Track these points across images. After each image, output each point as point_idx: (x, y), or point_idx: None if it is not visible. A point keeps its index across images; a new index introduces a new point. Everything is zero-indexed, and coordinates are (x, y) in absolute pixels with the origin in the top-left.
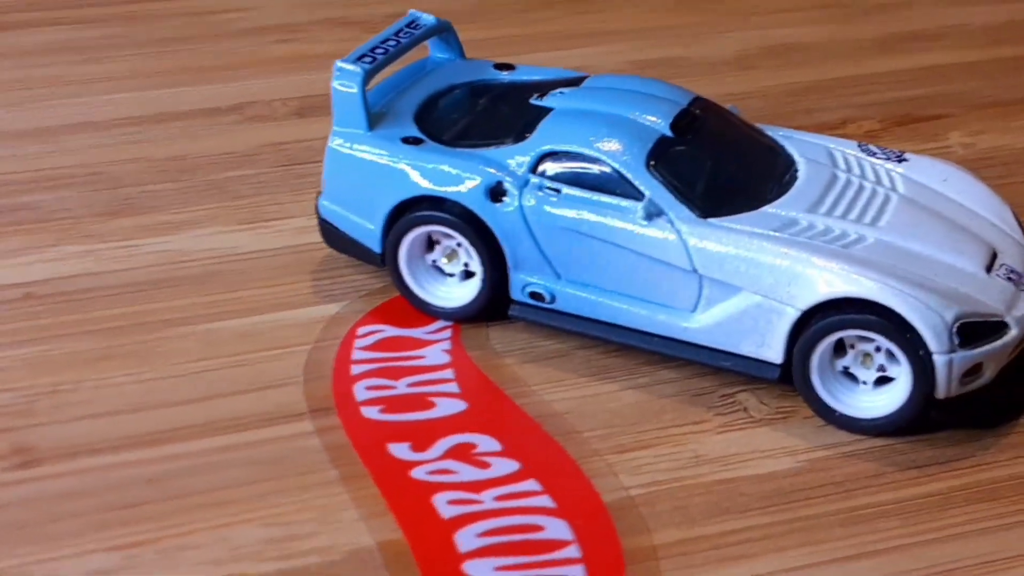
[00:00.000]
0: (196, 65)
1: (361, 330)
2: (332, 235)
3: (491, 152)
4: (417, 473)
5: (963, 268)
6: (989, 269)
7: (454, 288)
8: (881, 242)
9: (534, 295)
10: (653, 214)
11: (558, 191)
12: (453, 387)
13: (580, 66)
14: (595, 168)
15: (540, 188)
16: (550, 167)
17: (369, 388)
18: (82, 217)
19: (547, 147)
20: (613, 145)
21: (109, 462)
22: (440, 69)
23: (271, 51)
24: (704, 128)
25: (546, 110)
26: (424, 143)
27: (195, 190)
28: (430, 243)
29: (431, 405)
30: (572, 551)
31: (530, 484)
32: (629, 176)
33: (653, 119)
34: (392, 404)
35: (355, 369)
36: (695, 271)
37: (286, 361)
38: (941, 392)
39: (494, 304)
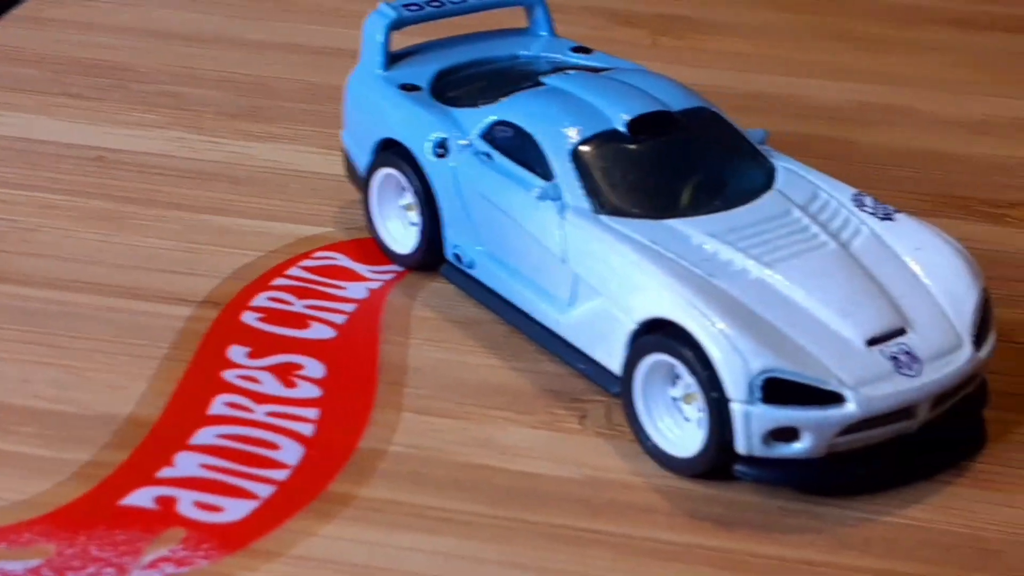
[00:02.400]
0: None
1: (318, 253)
2: (347, 166)
3: (461, 112)
4: (228, 375)
5: (838, 332)
6: (876, 342)
7: (404, 233)
8: (760, 282)
9: (458, 257)
10: (549, 196)
11: (490, 157)
12: (340, 318)
13: None
14: (527, 144)
15: (476, 152)
16: (498, 135)
17: (270, 299)
18: (206, 113)
19: (500, 116)
20: (553, 126)
21: (12, 291)
22: (510, 39)
23: None
24: (672, 134)
25: (538, 85)
26: (420, 92)
27: (307, 113)
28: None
29: (305, 326)
30: (280, 474)
31: (311, 412)
32: (549, 157)
33: (618, 113)
34: (274, 317)
35: (276, 280)
36: (566, 262)
37: (228, 259)
38: (740, 446)
39: (433, 258)
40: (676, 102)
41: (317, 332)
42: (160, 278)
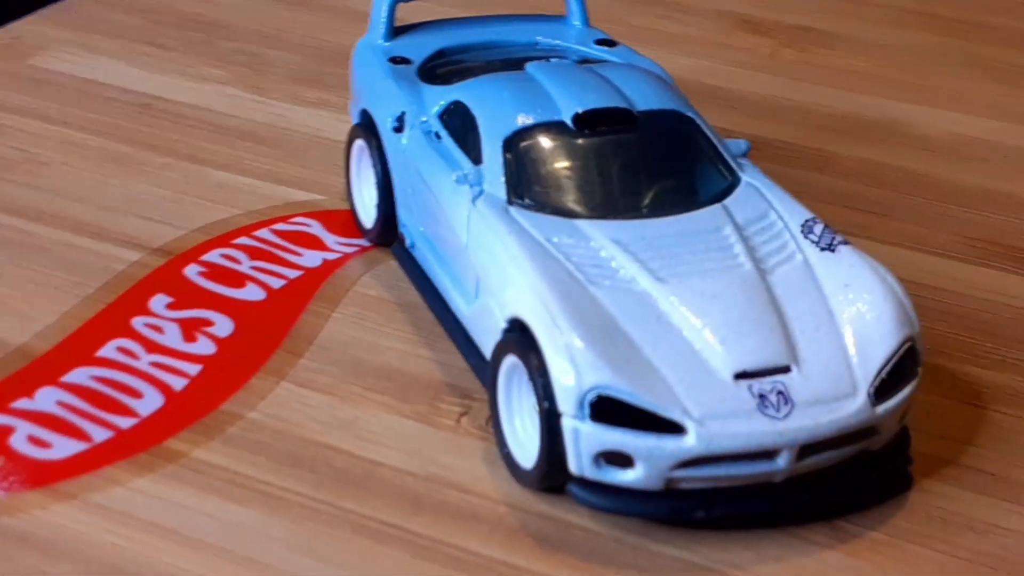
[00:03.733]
0: None
1: (296, 219)
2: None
3: (431, 89)
4: (136, 321)
5: (707, 359)
6: (748, 376)
7: (370, 208)
8: (643, 296)
9: (403, 237)
10: (466, 181)
11: (439, 137)
12: (278, 283)
13: None
14: (472, 127)
15: (426, 130)
16: (451, 115)
17: (223, 255)
18: (272, 74)
19: (457, 97)
20: (498, 111)
21: None
22: (536, 25)
23: None
24: (621, 133)
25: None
26: (406, 67)
27: None
28: None
29: (241, 286)
30: (126, 422)
31: (193, 368)
32: (483, 141)
33: (571, 105)
34: (216, 273)
35: (240, 239)
36: (467, 250)
37: (206, 212)
38: (572, 466)
39: (389, 235)
40: (646, 102)
41: (248, 293)
42: (130, 223)
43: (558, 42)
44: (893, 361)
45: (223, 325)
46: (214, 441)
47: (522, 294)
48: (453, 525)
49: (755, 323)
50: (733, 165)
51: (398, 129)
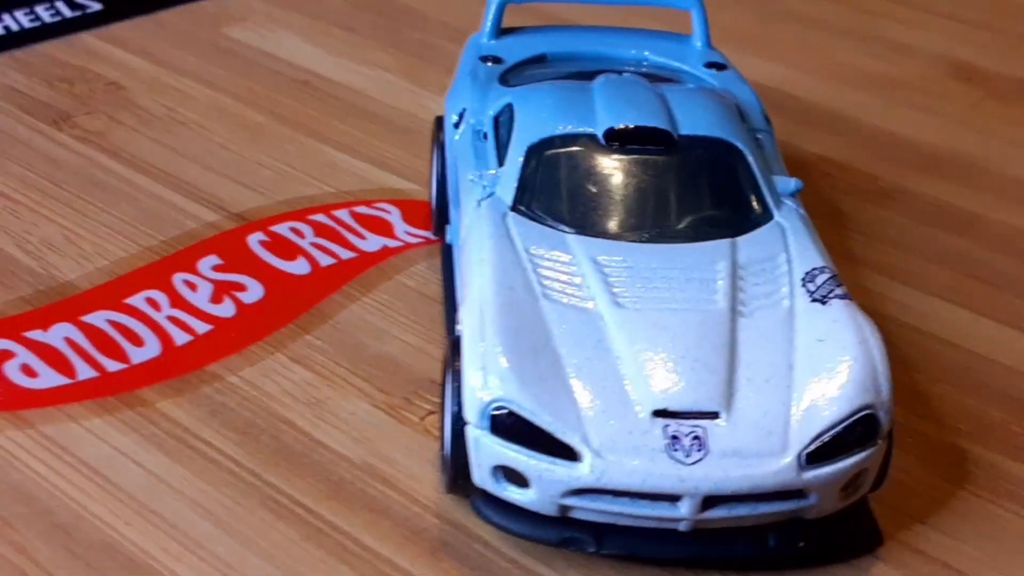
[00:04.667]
0: None
1: (379, 204)
2: None
3: (499, 90)
4: (177, 277)
5: (630, 392)
6: (668, 416)
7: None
8: (593, 318)
9: (446, 232)
10: (478, 182)
11: (486, 137)
12: (328, 261)
13: None
14: (511, 130)
15: (477, 129)
16: (502, 117)
17: (291, 229)
18: (439, 68)
19: (511, 99)
20: (537, 117)
21: (105, 162)
22: (652, 41)
23: None
24: (651, 153)
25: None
26: (493, 66)
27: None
28: None
29: (292, 259)
30: (114, 366)
31: (204, 327)
32: (512, 145)
33: (609, 120)
34: (275, 244)
35: (316, 216)
36: (459, 247)
37: (300, 187)
38: (475, 476)
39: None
40: (692, 127)
41: (295, 267)
42: (224, 186)
43: (666, 60)
44: (841, 427)
45: (254, 292)
46: (183, 397)
47: (470, 298)
48: (358, 516)
49: (696, 364)
50: (769, 202)
51: (457, 125)
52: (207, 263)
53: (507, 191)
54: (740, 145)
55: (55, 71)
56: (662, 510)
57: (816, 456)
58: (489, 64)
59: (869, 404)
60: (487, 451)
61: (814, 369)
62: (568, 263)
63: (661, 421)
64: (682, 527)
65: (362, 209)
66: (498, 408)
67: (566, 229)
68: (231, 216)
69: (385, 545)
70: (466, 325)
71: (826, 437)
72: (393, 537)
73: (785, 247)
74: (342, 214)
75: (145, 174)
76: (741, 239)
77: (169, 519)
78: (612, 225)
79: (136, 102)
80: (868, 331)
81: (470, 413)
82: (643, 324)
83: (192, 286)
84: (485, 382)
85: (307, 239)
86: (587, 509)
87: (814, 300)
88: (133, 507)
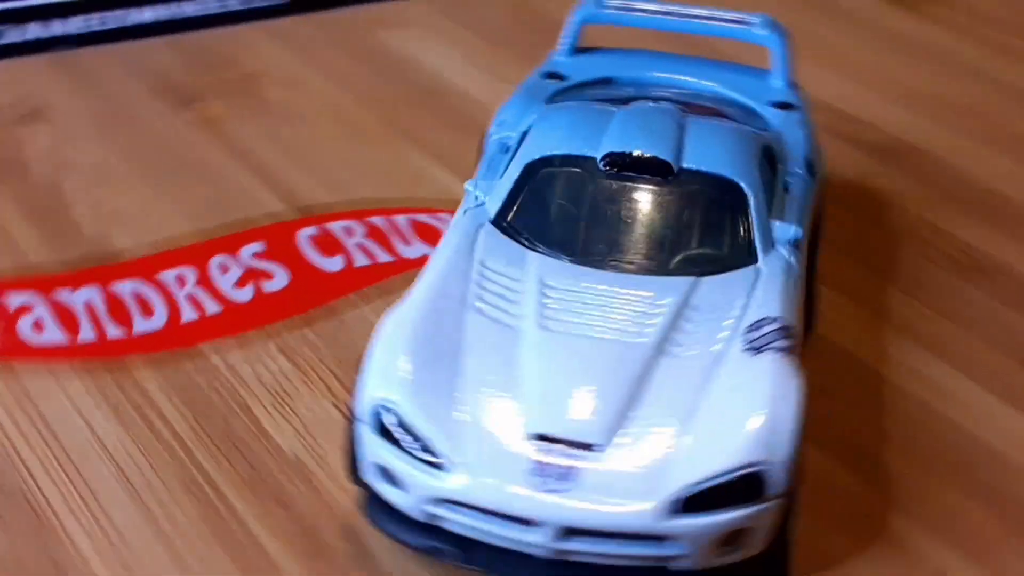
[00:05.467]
0: None
1: (440, 214)
2: None
3: (539, 107)
4: (215, 259)
5: (515, 411)
6: (546, 440)
7: None
8: (514, 335)
9: None
10: (470, 191)
11: (507, 151)
12: (363, 260)
13: None
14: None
15: (502, 141)
16: (526, 133)
17: (343, 228)
18: (520, 66)
19: (538, 116)
20: (546, 136)
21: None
22: (727, 73)
23: None
24: (644, 182)
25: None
26: (555, 82)
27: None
28: None
29: (330, 255)
30: (117, 332)
31: (214, 307)
32: (512, 162)
33: (610, 145)
34: (322, 241)
35: (374, 219)
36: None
37: (377, 189)
38: (360, 469)
39: None
40: (698, 161)
41: (329, 263)
42: (302, 181)
43: (731, 93)
44: (723, 480)
45: (278, 281)
46: (161, 371)
47: (405, 299)
48: (265, 507)
49: (590, 394)
50: (758, 247)
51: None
52: (250, 249)
53: (494, 204)
54: (743, 185)
55: (201, 58)
56: (520, 533)
57: (690, 505)
58: (550, 81)
59: (760, 461)
60: (369, 448)
61: (717, 418)
62: (514, 280)
63: (537, 445)
64: (541, 553)
65: (423, 217)
66: (384, 408)
67: (536, 247)
68: (295, 209)
69: (272, 540)
70: (387, 322)
71: (703, 487)
72: (286, 534)
73: (748, 293)
74: (400, 219)
75: (238, 161)
76: (706, 279)
77: (87, 478)
78: (580, 248)
79: (261, 94)
80: (789, 387)
81: (360, 408)
82: (558, 348)
83: (225, 268)
84: (376, 381)
85: (355, 239)
86: (452, 520)
87: (748, 349)
88: (61, 460)
